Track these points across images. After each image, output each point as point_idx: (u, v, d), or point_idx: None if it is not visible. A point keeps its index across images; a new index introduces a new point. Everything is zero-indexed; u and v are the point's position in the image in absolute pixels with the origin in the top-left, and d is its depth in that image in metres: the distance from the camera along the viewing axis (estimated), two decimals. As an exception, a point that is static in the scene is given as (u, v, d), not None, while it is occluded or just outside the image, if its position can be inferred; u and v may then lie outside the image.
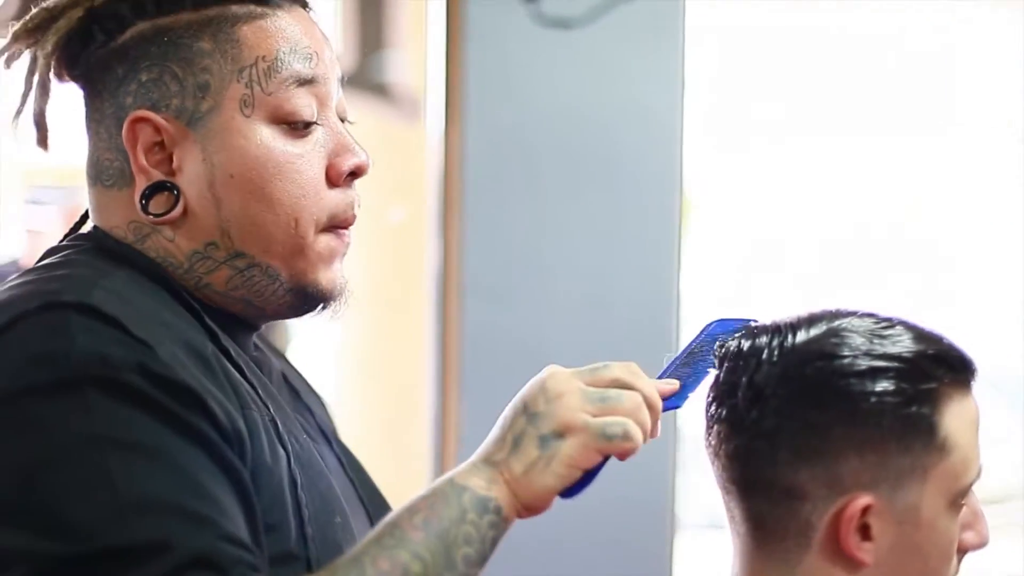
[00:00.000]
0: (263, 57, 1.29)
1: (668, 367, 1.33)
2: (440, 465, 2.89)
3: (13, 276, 1.27)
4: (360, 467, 1.51)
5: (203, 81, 1.28)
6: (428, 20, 2.91)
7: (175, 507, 1.08)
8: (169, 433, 1.12)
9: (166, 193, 1.28)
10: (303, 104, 1.30)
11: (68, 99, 1.36)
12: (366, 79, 3.75)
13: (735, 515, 1.34)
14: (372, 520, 1.41)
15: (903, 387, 1.26)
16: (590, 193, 2.83)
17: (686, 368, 1.33)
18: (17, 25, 1.32)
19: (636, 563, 2.83)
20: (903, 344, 1.28)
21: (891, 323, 1.30)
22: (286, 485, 1.23)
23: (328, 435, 1.47)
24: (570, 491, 1.22)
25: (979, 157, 6.70)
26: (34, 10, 1.31)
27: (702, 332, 1.36)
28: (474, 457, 1.23)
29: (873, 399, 1.25)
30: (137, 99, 1.28)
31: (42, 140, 1.36)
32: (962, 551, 1.32)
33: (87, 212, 1.36)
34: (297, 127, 1.30)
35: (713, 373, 1.35)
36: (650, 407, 1.23)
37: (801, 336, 1.30)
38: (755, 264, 6.87)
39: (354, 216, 1.34)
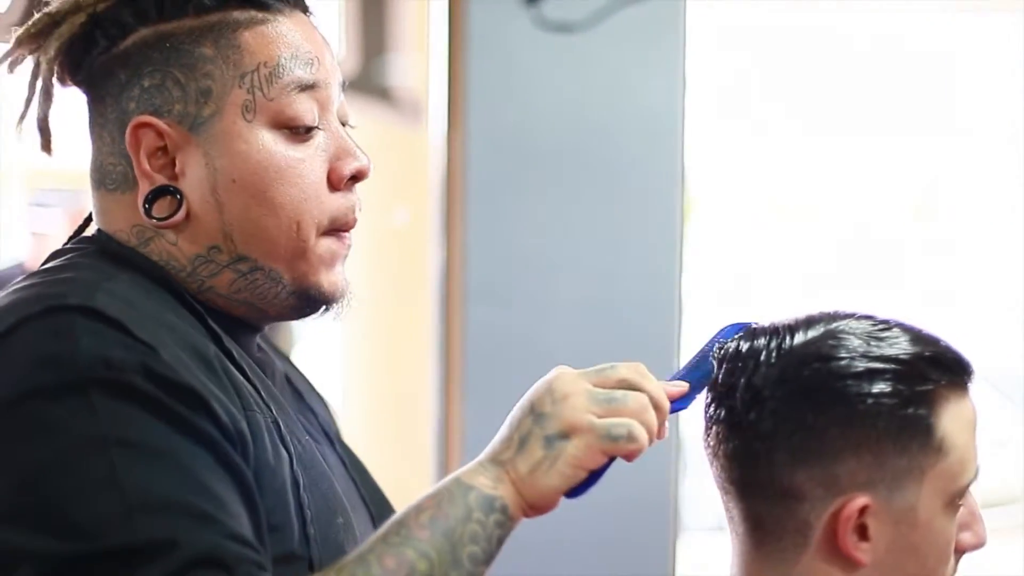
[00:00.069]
0: (265, 63, 1.29)
1: (680, 370, 1.34)
2: (443, 466, 2.90)
3: (18, 279, 1.28)
4: (362, 467, 1.52)
5: (205, 87, 1.28)
6: (430, 24, 2.91)
7: (181, 506, 1.09)
8: (173, 433, 1.12)
9: (169, 197, 1.29)
10: (304, 109, 1.30)
11: (73, 103, 1.36)
12: (369, 83, 3.76)
13: (734, 515, 1.35)
14: (374, 520, 1.42)
15: (900, 389, 1.26)
16: (592, 196, 2.84)
17: (696, 371, 1.34)
18: (20, 30, 1.33)
19: (638, 564, 2.83)
20: (900, 346, 1.28)
21: (888, 325, 1.31)
22: (289, 486, 1.23)
23: (331, 436, 1.48)
24: (576, 491, 1.22)
25: (979, 158, 6.71)
26: (37, 15, 1.32)
27: (715, 336, 1.36)
28: (481, 456, 1.24)
29: (870, 400, 1.26)
30: (140, 104, 1.29)
31: (45, 145, 1.37)
32: (959, 551, 1.33)
33: (91, 215, 1.37)
34: (298, 132, 1.30)
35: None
36: (657, 408, 1.23)
37: (799, 338, 1.31)
38: (756, 265, 6.87)
39: (355, 219, 1.35)
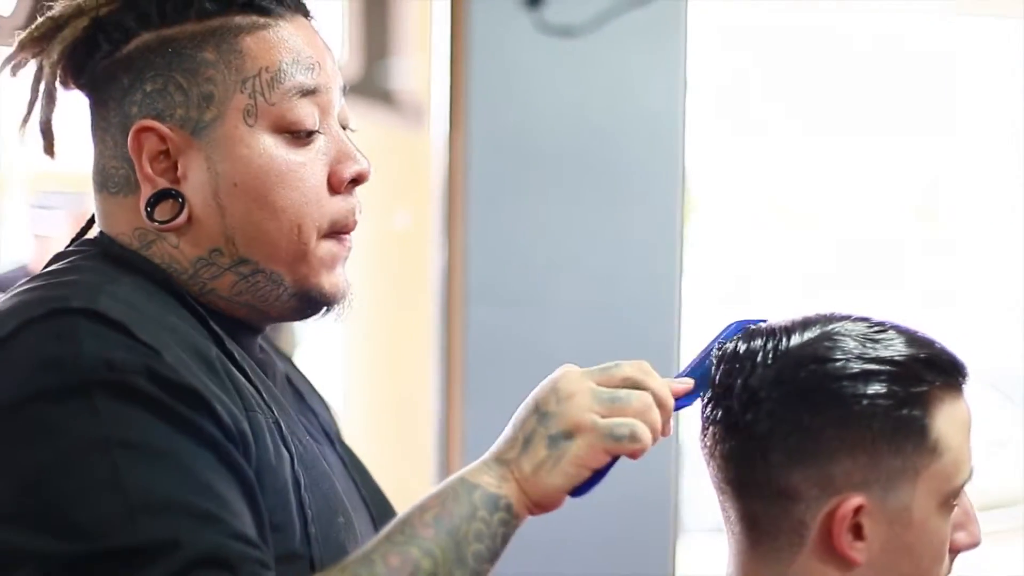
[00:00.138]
0: (266, 68, 1.30)
1: (689, 365, 1.35)
2: (444, 467, 2.90)
3: (21, 281, 1.28)
4: (363, 468, 1.52)
5: (207, 91, 1.29)
6: (432, 28, 2.92)
7: (184, 506, 1.10)
8: (176, 434, 1.13)
9: (171, 200, 1.30)
10: (305, 114, 1.31)
11: (76, 105, 1.37)
12: (371, 86, 3.76)
13: (730, 515, 1.36)
14: (375, 520, 1.43)
15: (895, 390, 1.27)
16: (593, 198, 2.84)
17: (700, 367, 1.35)
18: (23, 34, 1.33)
19: (639, 565, 2.84)
20: (895, 348, 1.29)
21: (883, 327, 1.32)
22: (290, 486, 1.24)
23: (331, 436, 1.49)
24: (580, 490, 1.23)
25: (979, 158, 6.70)
26: (40, 19, 1.32)
27: (722, 333, 1.37)
28: (486, 455, 1.24)
29: (865, 402, 1.27)
30: (142, 109, 1.29)
31: (48, 148, 1.37)
32: (954, 551, 1.34)
33: (93, 217, 1.38)
34: (299, 136, 1.31)
35: None
36: (661, 406, 1.24)
37: (795, 339, 1.31)
38: (756, 265, 6.87)
39: (355, 222, 1.36)
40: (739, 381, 1.31)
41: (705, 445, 1.36)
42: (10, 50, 1.35)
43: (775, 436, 1.29)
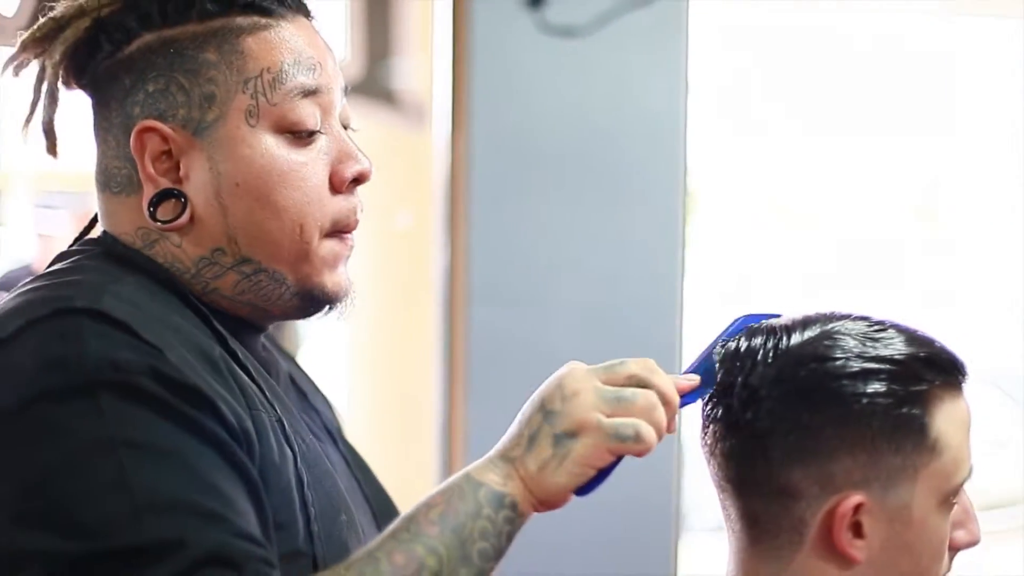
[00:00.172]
0: (268, 69, 1.30)
1: (696, 361, 1.35)
2: (447, 466, 2.91)
3: (25, 281, 1.29)
4: (365, 466, 1.53)
5: (209, 92, 1.30)
6: (435, 28, 2.92)
7: (189, 506, 1.10)
8: (181, 433, 1.13)
9: (173, 200, 1.30)
10: (307, 114, 1.32)
11: (79, 105, 1.37)
12: (373, 86, 3.76)
13: (730, 513, 1.36)
14: (377, 518, 1.43)
15: (894, 389, 1.28)
16: (595, 198, 2.85)
17: (706, 362, 1.34)
18: (25, 34, 1.33)
19: (640, 565, 2.84)
20: (895, 347, 1.30)
21: (883, 326, 1.32)
22: (293, 484, 1.24)
23: (334, 435, 1.49)
24: (585, 488, 1.23)
25: (979, 158, 6.70)
26: (42, 20, 1.33)
27: (730, 327, 1.37)
28: (492, 452, 1.24)
29: (865, 400, 1.27)
30: (144, 109, 1.30)
31: (51, 148, 1.37)
32: (953, 549, 1.34)
33: (96, 216, 1.38)
34: (301, 136, 1.31)
35: None
36: (666, 404, 1.24)
37: (796, 338, 1.32)
38: (757, 265, 6.87)
39: (357, 221, 1.36)
40: (739, 379, 1.31)
41: (705, 443, 1.36)
42: (13, 50, 1.35)
43: (775, 434, 1.29)
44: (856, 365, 1.28)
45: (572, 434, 1.21)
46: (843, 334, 1.31)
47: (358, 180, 1.35)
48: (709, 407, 1.35)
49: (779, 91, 6.48)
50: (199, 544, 1.08)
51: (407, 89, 3.71)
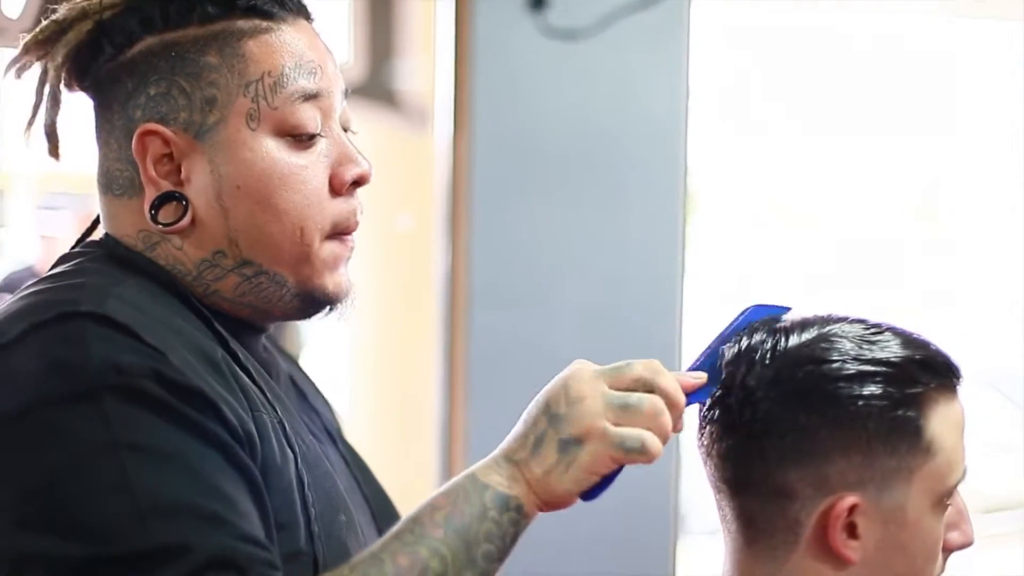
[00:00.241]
0: (269, 72, 1.31)
1: (703, 354, 1.35)
2: (447, 468, 2.91)
3: (28, 283, 1.29)
4: (365, 467, 1.53)
5: (210, 95, 1.30)
6: (437, 29, 2.93)
7: (193, 509, 1.11)
8: (184, 436, 1.14)
9: (175, 203, 1.31)
10: (308, 117, 1.32)
11: (81, 107, 1.37)
12: (375, 88, 3.76)
13: (726, 514, 1.36)
14: (376, 518, 1.44)
15: (890, 391, 1.28)
16: (596, 200, 2.85)
17: (712, 357, 1.34)
18: (28, 37, 1.34)
19: (639, 566, 2.85)
20: (891, 349, 1.30)
21: (880, 329, 1.33)
22: (294, 485, 1.25)
23: (333, 436, 1.50)
24: (590, 493, 1.23)
25: (979, 158, 6.69)
26: (44, 22, 1.33)
27: (738, 318, 1.37)
28: (496, 452, 1.24)
29: (860, 403, 1.28)
30: (146, 112, 1.30)
31: (53, 150, 1.38)
32: (947, 550, 1.35)
33: (98, 218, 1.39)
34: (301, 139, 1.32)
35: None
36: (672, 406, 1.23)
37: (793, 340, 1.32)
38: (757, 265, 6.86)
39: (357, 223, 1.36)
40: (737, 380, 1.32)
41: (702, 444, 1.37)
42: (15, 53, 1.36)
43: (771, 435, 1.29)
44: (852, 367, 1.29)
45: (578, 440, 1.21)
46: (840, 337, 1.31)
47: (358, 183, 1.36)
48: (706, 408, 1.36)
49: (779, 91, 6.47)
50: (203, 548, 1.09)
51: (409, 91, 3.71)
